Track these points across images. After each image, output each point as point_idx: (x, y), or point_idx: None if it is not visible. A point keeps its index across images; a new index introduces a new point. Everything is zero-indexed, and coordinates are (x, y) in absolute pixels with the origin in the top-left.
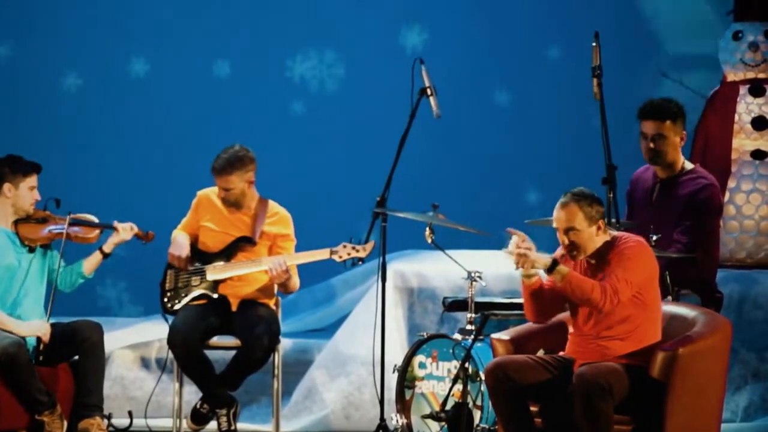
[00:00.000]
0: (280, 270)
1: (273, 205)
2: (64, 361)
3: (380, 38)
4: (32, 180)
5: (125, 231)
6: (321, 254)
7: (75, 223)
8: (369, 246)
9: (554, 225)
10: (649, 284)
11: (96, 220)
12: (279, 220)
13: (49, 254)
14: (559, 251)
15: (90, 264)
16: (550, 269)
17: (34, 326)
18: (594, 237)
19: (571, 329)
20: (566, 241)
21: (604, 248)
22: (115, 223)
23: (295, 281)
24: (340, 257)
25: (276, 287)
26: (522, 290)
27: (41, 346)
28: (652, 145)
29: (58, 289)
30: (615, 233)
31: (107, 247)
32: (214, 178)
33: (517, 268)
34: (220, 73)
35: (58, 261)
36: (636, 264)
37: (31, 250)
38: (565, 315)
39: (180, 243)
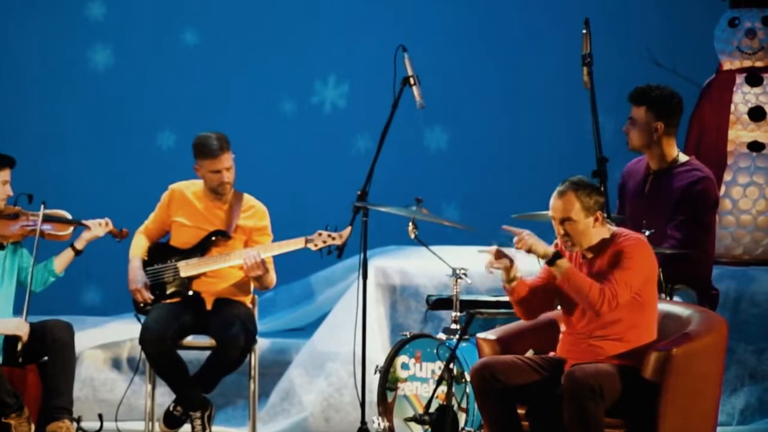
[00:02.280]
0: (254, 262)
1: (248, 198)
2: (33, 362)
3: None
4: (5, 174)
5: (98, 227)
6: (295, 243)
7: (48, 219)
8: (345, 233)
9: (550, 214)
10: (648, 284)
11: (69, 216)
12: (254, 213)
13: (19, 252)
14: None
15: (61, 261)
16: (551, 261)
17: (12, 324)
18: (590, 229)
19: (563, 328)
20: (562, 232)
21: (602, 244)
22: (89, 222)
23: (272, 277)
24: (316, 246)
25: (252, 284)
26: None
27: (19, 346)
28: (624, 127)
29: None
30: (614, 228)
31: (79, 244)
32: (209, 166)
33: (518, 248)
34: (197, 64)
35: (30, 259)
36: (636, 264)
37: (1, 247)
38: (556, 313)
39: (135, 274)
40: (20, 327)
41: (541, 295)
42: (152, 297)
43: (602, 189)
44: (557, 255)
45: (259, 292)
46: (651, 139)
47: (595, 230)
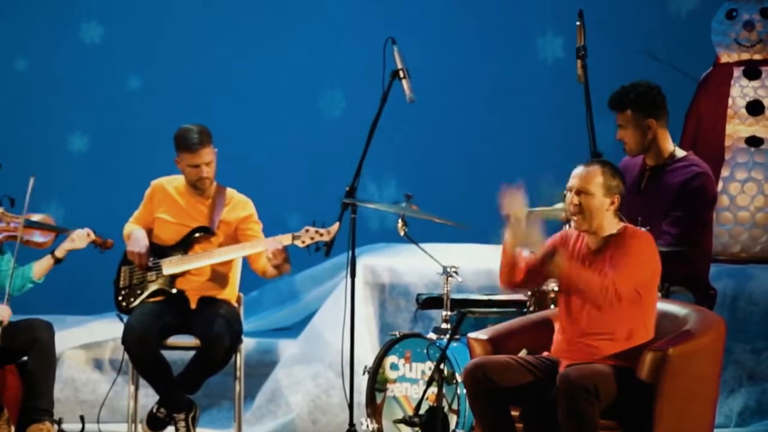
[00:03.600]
0: (276, 249)
1: (231, 192)
2: (13, 362)
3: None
4: None
5: (80, 238)
6: (282, 240)
7: (29, 225)
8: (333, 229)
9: (568, 184)
10: (651, 283)
11: (53, 222)
12: (237, 204)
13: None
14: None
15: (41, 268)
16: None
17: None
18: (604, 211)
19: (557, 327)
20: (576, 202)
21: (608, 238)
22: (73, 232)
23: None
24: (303, 242)
25: (269, 272)
26: (501, 254)
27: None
28: (618, 136)
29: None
30: (623, 224)
31: (60, 252)
32: (188, 160)
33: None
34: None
35: (10, 264)
36: (640, 260)
37: None
38: (550, 312)
39: (137, 238)
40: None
41: (531, 271)
42: (151, 264)
43: None
44: (554, 251)
45: (245, 290)
46: (647, 138)
47: (607, 218)
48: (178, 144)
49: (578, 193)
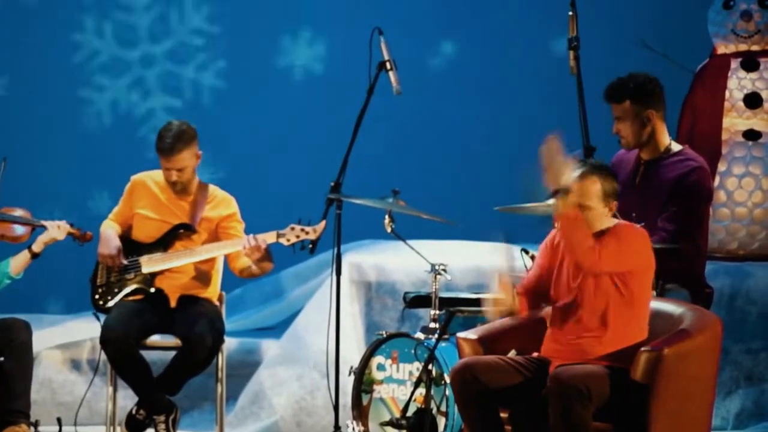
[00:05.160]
0: (254, 245)
1: (213, 189)
2: None
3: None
4: None
5: (57, 230)
6: (267, 238)
7: (3, 219)
8: (320, 227)
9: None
10: (639, 275)
11: (29, 216)
12: (219, 202)
13: None
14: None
15: (17, 264)
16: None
17: None
18: (603, 218)
19: (548, 326)
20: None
21: (600, 233)
22: (48, 223)
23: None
24: (288, 240)
25: (252, 270)
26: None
27: None
28: (614, 129)
29: None
30: (617, 220)
31: (37, 247)
32: (161, 162)
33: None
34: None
35: None
36: (630, 249)
37: None
38: (542, 312)
39: (107, 238)
40: None
41: (533, 293)
42: (125, 263)
43: None
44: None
45: (227, 288)
46: (645, 131)
47: (606, 220)
48: (156, 141)
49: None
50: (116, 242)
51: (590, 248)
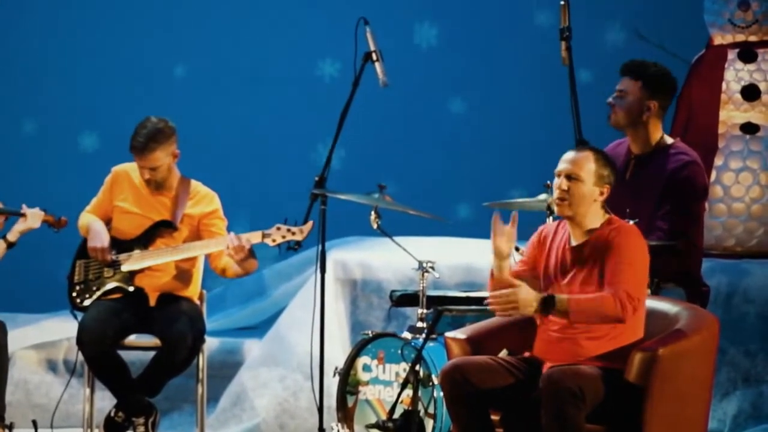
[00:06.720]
0: (238, 244)
1: (195, 185)
2: None
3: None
4: None
5: (33, 218)
6: (251, 238)
7: None
8: (306, 227)
9: (557, 168)
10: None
11: (1, 205)
12: (201, 198)
13: None
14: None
15: None
16: (546, 308)
17: None
18: (591, 201)
19: (540, 326)
20: (563, 187)
21: (590, 232)
22: (24, 209)
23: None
24: (274, 241)
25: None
26: (489, 283)
27: None
28: (610, 99)
29: None
30: (608, 216)
31: (12, 236)
32: (135, 159)
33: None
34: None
35: None
36: (637, 255)
37: None
38: None
39: (98, 231)
40: None
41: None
42: (114, 259)
43: None
44: (550, 301)
45: (208, 286)
46: (639, 118)
47: (593, 208)
48: (131, 137)
49: (568, 177)
50: (106, 235)
51: (613, 301)
